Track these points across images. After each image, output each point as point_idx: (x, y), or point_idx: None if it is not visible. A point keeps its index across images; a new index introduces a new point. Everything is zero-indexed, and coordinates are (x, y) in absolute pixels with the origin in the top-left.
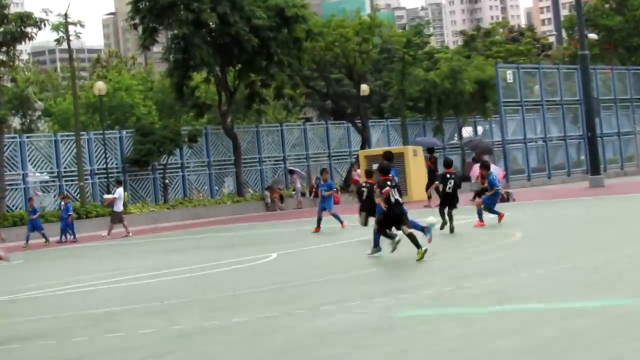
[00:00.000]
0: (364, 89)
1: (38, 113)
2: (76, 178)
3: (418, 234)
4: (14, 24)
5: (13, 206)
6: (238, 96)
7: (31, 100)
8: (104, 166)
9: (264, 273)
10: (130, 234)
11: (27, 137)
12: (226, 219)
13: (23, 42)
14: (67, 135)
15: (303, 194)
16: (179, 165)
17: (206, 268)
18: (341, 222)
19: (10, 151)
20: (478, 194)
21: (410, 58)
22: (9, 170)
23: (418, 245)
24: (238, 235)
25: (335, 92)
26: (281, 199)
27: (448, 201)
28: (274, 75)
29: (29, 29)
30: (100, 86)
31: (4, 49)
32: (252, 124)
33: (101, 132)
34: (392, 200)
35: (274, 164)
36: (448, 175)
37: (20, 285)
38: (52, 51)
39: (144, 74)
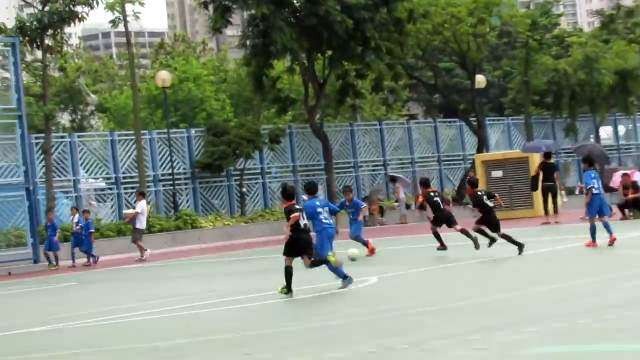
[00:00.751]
0: (480, 80)
1: (91, 108)
2: (137, 185)
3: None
4: (61, 2)
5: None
6: (328, 89)
7: (83, 93)
8: (170, 171)
9: (361, 300)
10: (145, 258)
11: (79, 136)
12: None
13: (73, 24)
14: (126, 135)
15: (408, 206)
16: (259, 171)
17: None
18: (367, 247)
19: (60, 153)
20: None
21: (536, 43)
22: (58, 176)
23: (288, 287)
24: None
25: (446, 84)
26: (381, 211)
27: (489, 222)
28: (371, 64)
29: (79, 9)
30: (165, 76)
31: (50, 32)
32: (345, 122)
33: (166, 131)
34: (302, 226)
35: (373, 170)
36: (480, 193)
37: (67, 313)
38: (106, 35)
39: (216, 62)
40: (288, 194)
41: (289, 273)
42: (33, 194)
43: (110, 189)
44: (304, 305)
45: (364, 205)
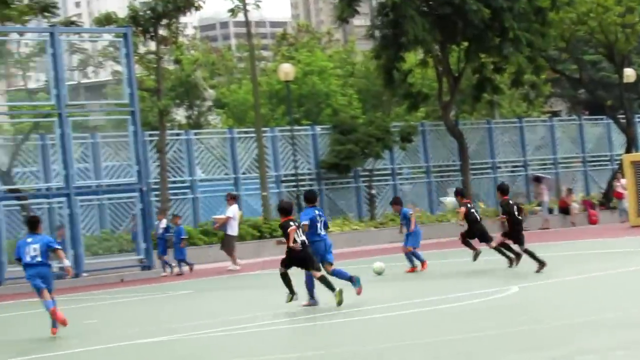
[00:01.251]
0: (629, 74)
1: (208, 103)
2: (257, 186)
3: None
4: None
5: None
6: (464, 83)
7: (199, 87)
8: (293, 171)
9: (500, 311)
10: (239, 267)
11: (195, 133)
12: (449, 241)
13: (188, 13)
14: (246, 132)
15: (550, 210)
16: (389, 172)
17: (423, 304)
18: (412, 265)
19: (175, 151)
20: None
21: None
22: (173, 176)
23: (332, 288)
24: (464, 262)
25: (591, 78)
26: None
27: (515, 235)
28: (510, 57)
29: None
30: (287, 69)
31: (164, 21)
32: (482, 119)
33: (288, 128)
34: (299, 241)
35: (512, 171)
36: (511, 202)
37: (179, 323)
38: (224, 24)
39: (343, 54)
40: (284, 209)
41: (285, 278)
42: (146, 196)
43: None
44: (435, 317)
45: (411, 212)
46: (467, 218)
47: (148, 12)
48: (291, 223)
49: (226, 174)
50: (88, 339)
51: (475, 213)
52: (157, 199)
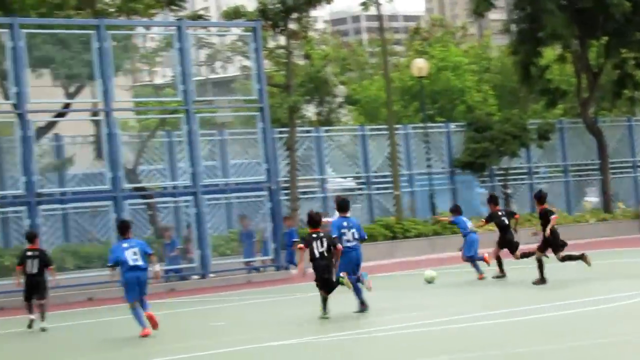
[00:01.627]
0: None
1: (339, 100)
2: (390, 185)
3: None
4: None
5: None
6: (603, 79)
7: (330, 83)
8: (426, 170)
9: (636, 316)
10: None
11: (326, 131)
12: (587, 242)
13: (319, 7)
14: (378, 129)
15: None
16: (526, 171)
17: (554, 308)
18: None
19: (305, 149)
20: None
21: None
22: (303, 174)
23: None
24: (601, 264)
25: None
26: None
27: (552, 244)
28: None
29: None
30: (421, 65)
31: (294, 15)
32: (622, 117)
33: (421, 125)
34: (317, 254)
35: None
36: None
37: (307, 326)
38: (356, 19)
39: (478, 49)
40: (313, 221)
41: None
42: (276, 194)
43: (360, 188)
44: (568, 322)
45: (469, 224)
46: (498, 227)
47: (278, 5)
48: (314, 235)
49: (357, 172)
50: (216, 341)
51: (506, 221)
52: (286, 197)
